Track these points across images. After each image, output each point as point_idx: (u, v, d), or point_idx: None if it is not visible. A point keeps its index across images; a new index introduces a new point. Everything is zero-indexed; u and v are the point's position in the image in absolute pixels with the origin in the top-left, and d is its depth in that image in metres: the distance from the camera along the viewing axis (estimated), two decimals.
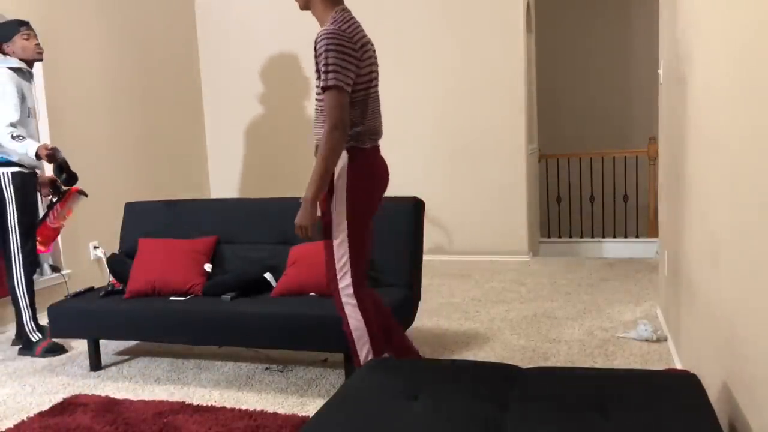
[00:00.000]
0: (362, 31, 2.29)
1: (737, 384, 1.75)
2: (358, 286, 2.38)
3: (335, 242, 2.36)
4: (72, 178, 3.49)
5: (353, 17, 2.30)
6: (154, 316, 3.07)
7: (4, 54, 3.54)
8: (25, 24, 3.55)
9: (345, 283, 2.37)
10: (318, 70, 2.23)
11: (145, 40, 5.42)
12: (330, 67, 2.17)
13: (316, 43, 2.21)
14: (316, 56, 2.22)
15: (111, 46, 5.05)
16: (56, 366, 3.45)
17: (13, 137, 3.36)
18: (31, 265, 3.64)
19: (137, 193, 5.24)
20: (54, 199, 3.80)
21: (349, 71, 2.20)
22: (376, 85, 2.36)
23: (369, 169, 2.36)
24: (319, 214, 2.35)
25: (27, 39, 3.53)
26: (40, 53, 3.59)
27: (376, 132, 2.38)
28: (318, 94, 2.30)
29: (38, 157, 3.37)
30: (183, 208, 3.64)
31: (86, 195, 3.88)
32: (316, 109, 2.35)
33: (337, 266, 2.37)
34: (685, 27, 2.60)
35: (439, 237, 5.61)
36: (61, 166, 3.45)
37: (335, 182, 2.32)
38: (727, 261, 1.83)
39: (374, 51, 2.38)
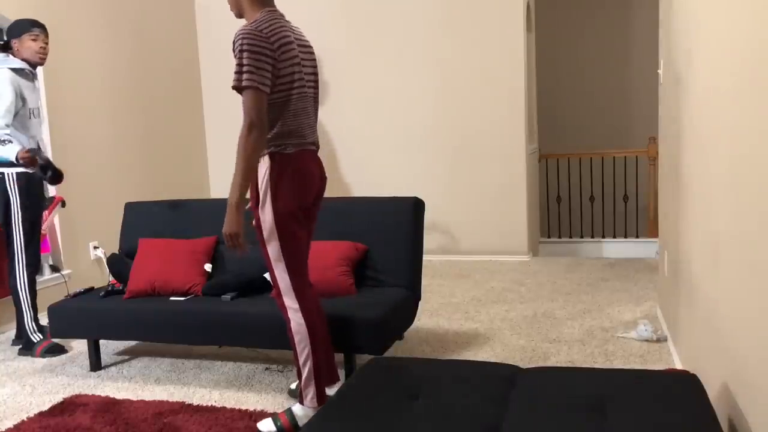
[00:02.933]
0: (286, 31, 2.27)
1: (737, 384, 1.75)
2: (298, 290, 2.41)
3: (269, 249, 2.37)
4: (58, 176, 3.46)
5: (278, 19, 2.29)
6: (154, 316, 3.07)
7: (11, 51, 3.52)
8: (38, 25, 3.54)
9: (284, 285, 2.40)
10: (234, 75, 2.23)
11: (145, 40, 5.42)
12: (244, 68, 2.16)
13: (233, 43, 2.20)
14: (234, 55, 2.21)
15: (111, 47, 5.05)
16: (56, 366, 3.45)
17: (2, 139, 3.36)
18: (35, 265, 3.64)
19: (137, 193, 5.24)
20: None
21: (265, 71, 2.18)
22: (302, 86, 2.32)
23: (293, 171, 2.32)
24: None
25: (35, 40, 3.52)
26: (43, 58, 3.56)
27: (301, 135, 2.34)
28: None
29: (17, 160, 3.36)
30: (183, 208, 3.64)
31: (64, 205, 3.93)
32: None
33: (276, 272, 2.39)
34: (685, 27, 2.61)
35: (439, 237, 5.62)
36: (45, 167, 3.43)
37: (259, 189, 2.32)
38: (727, 261, 1.83)
39: (303, 51, 2.36)
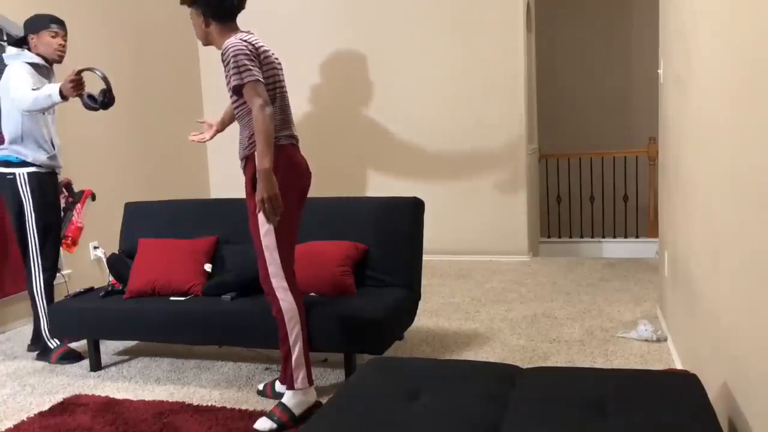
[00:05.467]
0: (262, 44, 2.51)
1: (737, 384, 1.75)
2: (288, 270, 2.55)
3: (261, 232, 2.51)
4: (111, 100, 3.26)
5: (252, 35, 2.52)
6: (154, 316, 3.07)
7: (26, 47, 3.43)
8: (58, 22, 3.44)
9: (275, 269, 2.53)
10: (229, 80, 2.42)
11: (145, 40, 5.42)
12: (242, 68, 2.38)
13: (222, 56, 2.42)
14: (225, 67, 2.42)
15: (111, 46, 5.05)
16: (56, 366, 3.45)
17: (33, 89, 3.20)
18: (51, 269, 3.52)
19: (137, 193, 5.24)
20: (71, 200, 3.77)
21: (257, 68, 2.43)
22: (282, 87, 2.56)
23: (287, 161, 2.52)
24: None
25: (54, 37, 3.42)
26: (61, 55, 3.46)
27: (288, 128, 2.56)
28: (234, 102, 2.51)
29: (63, 96, 3.12)
30: (183, 208, 3.63)
31: (95, 199, 3.89)
32: (237, 116, 2.55)
33: (267, 254, 2.52)
34: (685, 26, 2.61)
35: (439, 237, 5.61)
36: (92, 95, 3.21)
37: (258, 177, 2.46)
38: (727, 261, 1.83)
39: (277, 61, 2.57)
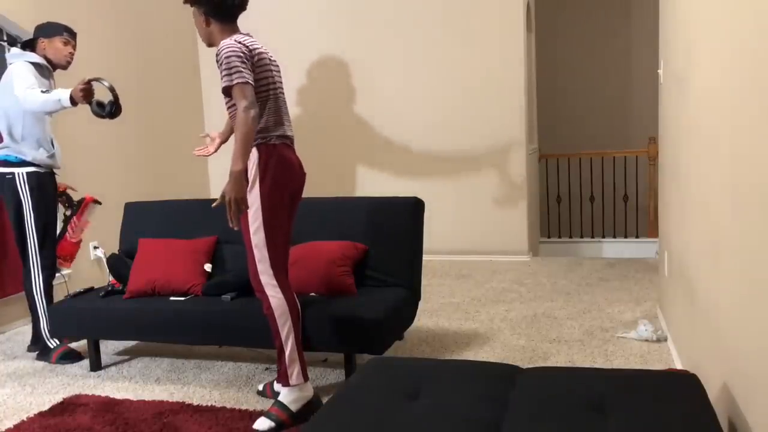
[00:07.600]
0: (257, 44, 2.55)
1: (737, 384, 1.75)
2: (276, 267, 2.56)
3: (251, 230, 2.53)
4: (118, 110, 3.30)
5: (250, 37, 2.56)
6: (154, 316, 3.07)
7: (30, 49, 3.47)
8: (71, 32, 3.52)
9: (264, 266, 2.55)
10: (223, 79, 2.46)
11: (145, 39, 5.42)
12: (233, 69, 2.41)
13: (217, 56, 2.45)
14: (219, 66, 2.45)
15: (111, 46, 5.05)
16: (56, 366, 3.45)
17: (42, 92, 3.23)
18: (50, 268, 3.53)
19: (137, 193, 5.24)
20: (68, 213, 3.73)
21: (249, 70, 2.46)
22: (276, 89, 2.59)
23: (278, 159, 2.54)
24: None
25: (65, 44, 3.49)
26: (69, 62, 3.52)
27: (282, 129, 2.59)
28: (227, 102, 2.54)
29: (74, 102, 3.20)
30: (183, 208, 3.63)
31: (100, 203, 3.85)
32: (230, 116, 2.58)
33: (255, 252, 2.54)
34: (685, 26, 2.61)
35: (439, 237, 5.61)
36: (101, 103, 3.25)
37: (249, 175, 2.50)
38: (727, 261, 1.83)
39: (273, 63, 2.61)
